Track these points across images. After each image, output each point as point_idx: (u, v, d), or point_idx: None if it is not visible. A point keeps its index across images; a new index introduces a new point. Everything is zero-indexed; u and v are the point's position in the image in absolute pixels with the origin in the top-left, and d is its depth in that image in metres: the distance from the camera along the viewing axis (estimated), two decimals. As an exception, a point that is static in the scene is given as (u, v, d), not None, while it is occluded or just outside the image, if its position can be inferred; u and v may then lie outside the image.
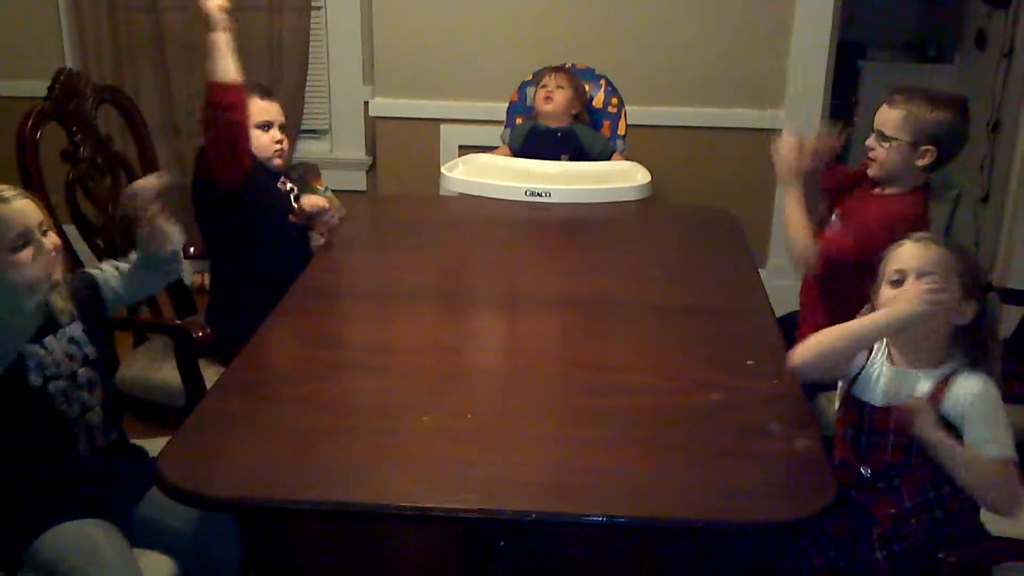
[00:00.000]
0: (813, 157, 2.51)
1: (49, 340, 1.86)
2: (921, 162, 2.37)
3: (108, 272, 2.06)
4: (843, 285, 2.37)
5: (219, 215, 2.58)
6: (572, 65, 3.49)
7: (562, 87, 3.30)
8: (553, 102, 3.29)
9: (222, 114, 2.47)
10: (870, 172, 2.46)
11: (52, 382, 1.85)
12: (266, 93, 2.68)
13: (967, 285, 1.76)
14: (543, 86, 3.32)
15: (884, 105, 2.41)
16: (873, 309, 1.85)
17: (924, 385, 1.78)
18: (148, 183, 2.02)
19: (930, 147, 2.35)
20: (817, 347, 1.82)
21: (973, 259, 1.81)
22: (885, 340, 1.85)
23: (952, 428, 1.73)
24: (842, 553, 1.82)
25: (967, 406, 1.72)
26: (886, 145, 2.39)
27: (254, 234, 2.59)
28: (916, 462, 1.77)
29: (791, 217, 2.50)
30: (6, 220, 1.78)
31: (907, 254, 1.80)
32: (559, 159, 3.30)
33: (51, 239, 1.85)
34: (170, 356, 2.45)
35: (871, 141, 2.43)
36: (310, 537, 2.11)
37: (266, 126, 2.64)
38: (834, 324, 1.87)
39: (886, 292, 1.81)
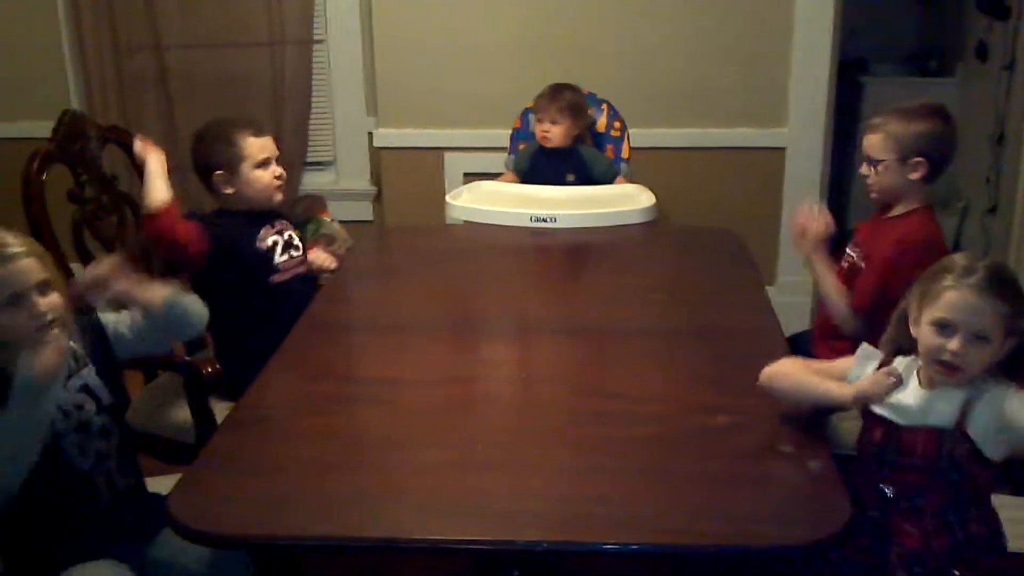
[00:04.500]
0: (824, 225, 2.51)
1: (57, 392, 1.81)
2: (914, 175, 2.38)
3: (122, 321, 1.97)
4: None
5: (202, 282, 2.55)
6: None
7: (556, 122, 3.30)
8: (550, 141, 3.32)
9: (157, 244, 2.52)
10: (872, 196, 2.49)
11: (63, 438, 1.81)
12: (258, 129, 2.61)
13: (1010, 326, 1.70)
14: (539, 120, 3.33)
15: (867, 132, 2.44)
16: (902, 332, 1.83)
17: (950, 407, 1.74)
18: (97, 275, 1.90)
19: (919, 159, 2.37)
20: (779, 381, 1.87)
21: (1019, 294, 1.73)
22: (918, 363, 1.82)
23: (975, 449, 1.71)
24: (858, 573, 1.80)
25: (997, 412, 1.69)
26: (877, 168, 2.42)
27: (240, 290, 2.57)
28: (939, 484, 1.74)
29: (825, 285, 2.48)
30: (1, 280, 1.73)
31: (957, 302, 1.71)
32: (565, 177, 3.32)
33: (50, 300, 1.76)
34: (181, 393, 2.45)
35: (864, 168, 2.46)
36: (324, 572, 2.11)
37: (265, 163, 2.59)
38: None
39: (929, 336, 1.74)
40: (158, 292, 1.96)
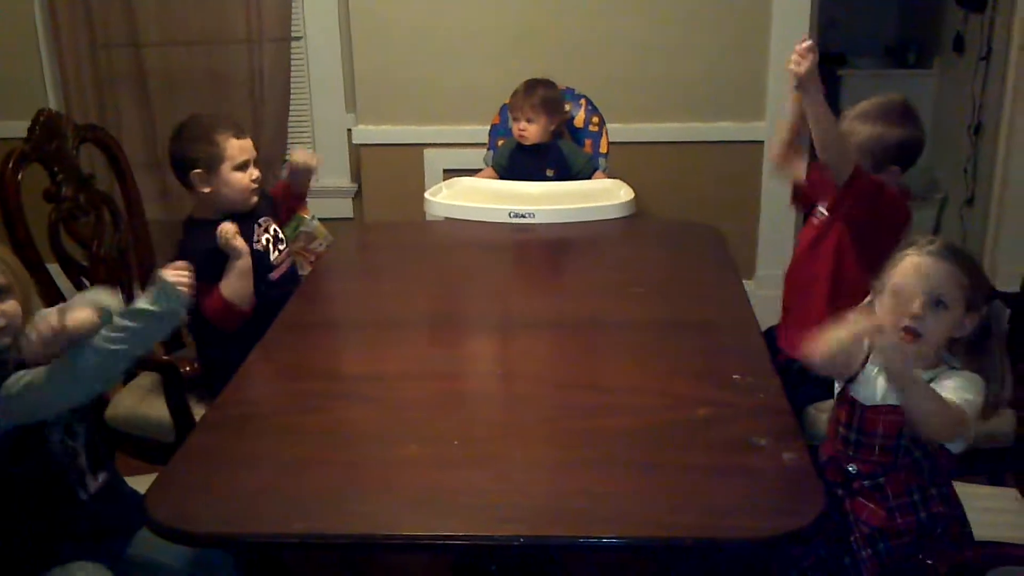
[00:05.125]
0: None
1: None
2: (889, 180, 2.42)
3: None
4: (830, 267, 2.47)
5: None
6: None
7: (532, 120, 3.30)
8: (527, 139, 3.33)
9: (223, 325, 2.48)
10: None
11: (48, 427, 1.80)
12: (239, 130, 2.59)
13: (970, 299, 1.74)
14: (515, 119, 3.34)
15: None
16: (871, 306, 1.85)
17: None
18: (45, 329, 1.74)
19: (893, 167, 2.41)
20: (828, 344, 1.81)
21: (978, 269, 1.78)
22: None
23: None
24: (828, 551, 1.82)
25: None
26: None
27: None
28: (902, 462, 1.77)
29: (781, 123, 2.62)
30: None
31: (914, 267, 1.76)
32: (544, 173, 3.33)
33: (5, 307, 1.76)
34: (159, 392, 2.45)
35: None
36: (305, 569, 2.11)
37: (244, 166, 2.56)
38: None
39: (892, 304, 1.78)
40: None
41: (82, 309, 1.74)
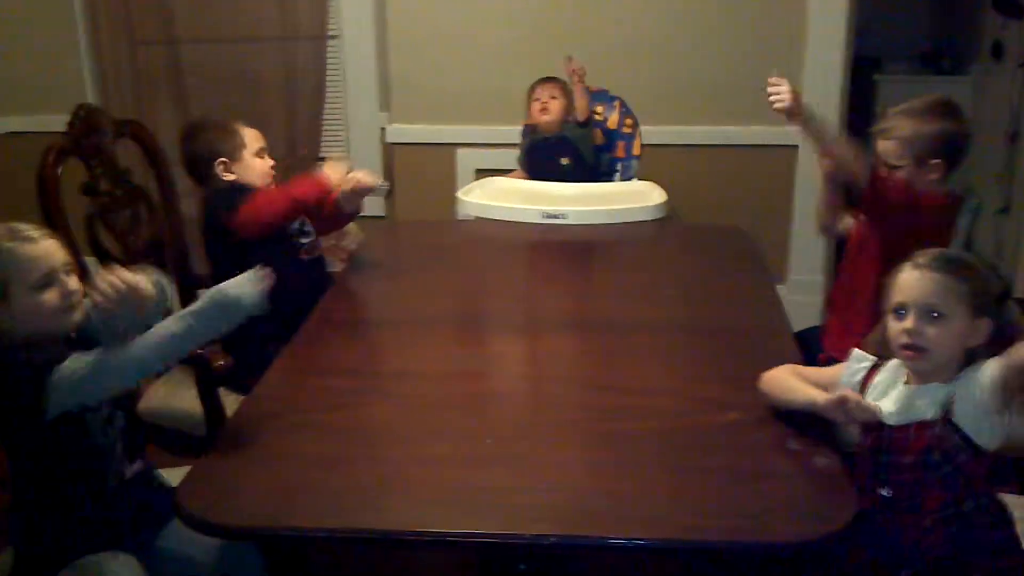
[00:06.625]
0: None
1: None
2: (933, 176, 2.39)
3: None
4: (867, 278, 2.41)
5: (227, 258, 2.58)
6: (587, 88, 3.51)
7: (555, 97, 3.39)
8: (549, 112, 3.39)
9: (306, 206, 2.59)
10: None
11: (89, 413, 1.82)
12: (247, 123, 2.70)
13: (976, 304, 1.71)
14: (536, 99, 3.40)
15: (879, 137, 2.44)
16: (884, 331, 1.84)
17: (933, 402, 1.73)
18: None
19: (936, 161, 2.38)
20: (769, 386, 1.88)
21: (980, 274, 1.76)
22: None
23: (966, 441, 1.70)
24: (865, 572, 1.80)
25: (975, 391, 1.67)
26: (896, 173, 2.41)
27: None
28: (933, 479, 1.74)
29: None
30: (32, 260, 1.75)
31: (906, 284, 1.75)
32: (561, 163, 3.38)
33: (75, 282, 1.81)
34: (191, 385, 2.47)
35: (883, 172, 2.45)
36: (333, 565, 2.11)
37: (261, 152, 2.67)
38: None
39: (891, 324, 1.77)
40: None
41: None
